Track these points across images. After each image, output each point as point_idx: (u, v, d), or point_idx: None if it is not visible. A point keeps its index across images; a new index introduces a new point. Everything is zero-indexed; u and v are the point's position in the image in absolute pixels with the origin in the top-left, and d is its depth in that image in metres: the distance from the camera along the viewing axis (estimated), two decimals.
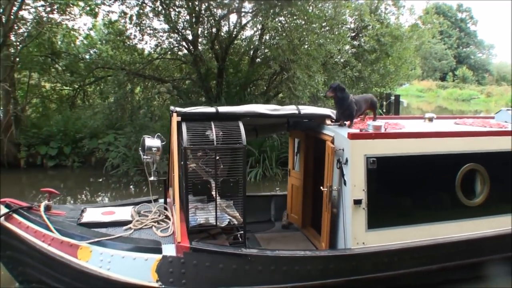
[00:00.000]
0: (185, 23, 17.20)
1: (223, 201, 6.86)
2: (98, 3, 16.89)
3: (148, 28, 17.39)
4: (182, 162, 6.52)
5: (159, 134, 7.32)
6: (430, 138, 7.33)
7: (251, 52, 18.42)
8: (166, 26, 17.19)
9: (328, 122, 7.71)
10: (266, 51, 17.64)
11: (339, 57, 18.24)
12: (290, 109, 7.59)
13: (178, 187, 6.66)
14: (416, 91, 65.69)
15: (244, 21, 17.74)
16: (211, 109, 7.02)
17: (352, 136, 6.79)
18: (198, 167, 6.61)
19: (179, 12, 17.10)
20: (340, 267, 6.66)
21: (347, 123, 7.48)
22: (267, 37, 17.23)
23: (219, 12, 16.90)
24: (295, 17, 15.67)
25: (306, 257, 6.58)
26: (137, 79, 17.88)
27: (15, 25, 15.83)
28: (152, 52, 18.77)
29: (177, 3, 16.96)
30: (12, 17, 15.13)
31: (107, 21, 18.24)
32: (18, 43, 16.51)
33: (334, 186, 7.05)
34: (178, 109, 6.83)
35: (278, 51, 15.13)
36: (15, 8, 15.13)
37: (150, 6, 16.81)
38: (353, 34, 20.07)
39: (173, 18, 16.77)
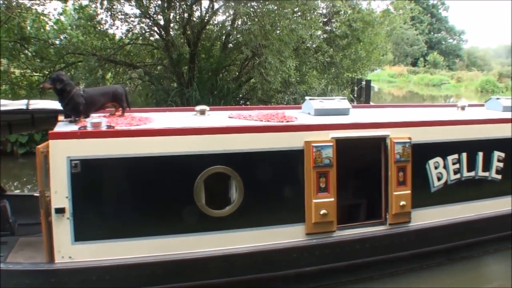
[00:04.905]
0: (156, 8, 17.05)
1: None
2: None
3: (119, 13, 17.21)
4: None
5: None
6: (158, 137, 6.34)
7: (223, 37, 18.37)
8: (137, 11, 17.03)
9: (61, 118, 6.90)
10: (238, 36, 17.61)
11: (310, 42, 18.25)
12: (18, 104, 6.78)
13: None
14: (387, 76, 66.28)
15: (216, 6, 17.67)
16: None
17: (53, 136, 5.99)
18: None
19: None
20: (36, 284, 5.93)
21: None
22: (239, 22, 17.20)
23: None
24: (267, 2, 15.64)
25: None
26: (108, 65, 17.75)
27: None
28: (124, 38, 18.58)
29: None
30: None
31: (77, 6, 18.00)
32: None
33: (47, 191, 6.10)
34: None
35: (250, 37, 15.12)
36: None
37: None
38: (325, 20, 20.10)
39: (144, 3, 16.64)
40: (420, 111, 9.62)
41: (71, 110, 6.67)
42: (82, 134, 6.04)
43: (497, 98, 10.12)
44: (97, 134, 6.12)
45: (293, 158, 6.88)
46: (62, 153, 5.94)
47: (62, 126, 6.53)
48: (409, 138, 7.49)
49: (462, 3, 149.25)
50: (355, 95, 24.61)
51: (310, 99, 8.40)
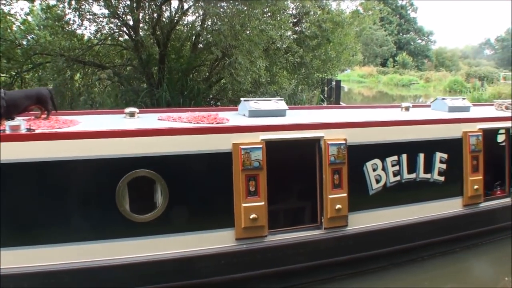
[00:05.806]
0: (125, 8, 16.91)
1: None
2: None
3: (88, 13, 17.01)
4: None
5: None
6: (78, 140, 6.05)
7: (193, 38, 18.30)
8: (106, 11, 16.86)
9: None
10: (208, 36, 17.57)
11: (280, 43, 18.33)
12: None
13: None
14: (357, 76, 67.05)
15: (185, 6, 17.61)
16: None
17: None
18: None
19: None
20: None
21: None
22: (209, 23, 17.16)
23: None
24: (236, 3, 15.63)
25: None
26: (76, 66, 17.51)
27: None
28: (92, 38, 18.38)
29: None
30: None
31: (44, 6, 17.73)
32: None
33: None
34: None
35: (220, 37, 15.09)
36: None
37: None
38: (295, 20, 20.17)
39: (113, 3, 16.46)
40: (360, 112, 9.49)
41: None
42: None
43: (443, 99, 9.96)
44: (15, 137, 5.85)
45: (221, 161, 6.65)
46: None
47: None
48: (345, 140, 7.28)
49: (430, 4, 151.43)
50: (325, 96, 24.78)
51: (245, 100, 8.18)
